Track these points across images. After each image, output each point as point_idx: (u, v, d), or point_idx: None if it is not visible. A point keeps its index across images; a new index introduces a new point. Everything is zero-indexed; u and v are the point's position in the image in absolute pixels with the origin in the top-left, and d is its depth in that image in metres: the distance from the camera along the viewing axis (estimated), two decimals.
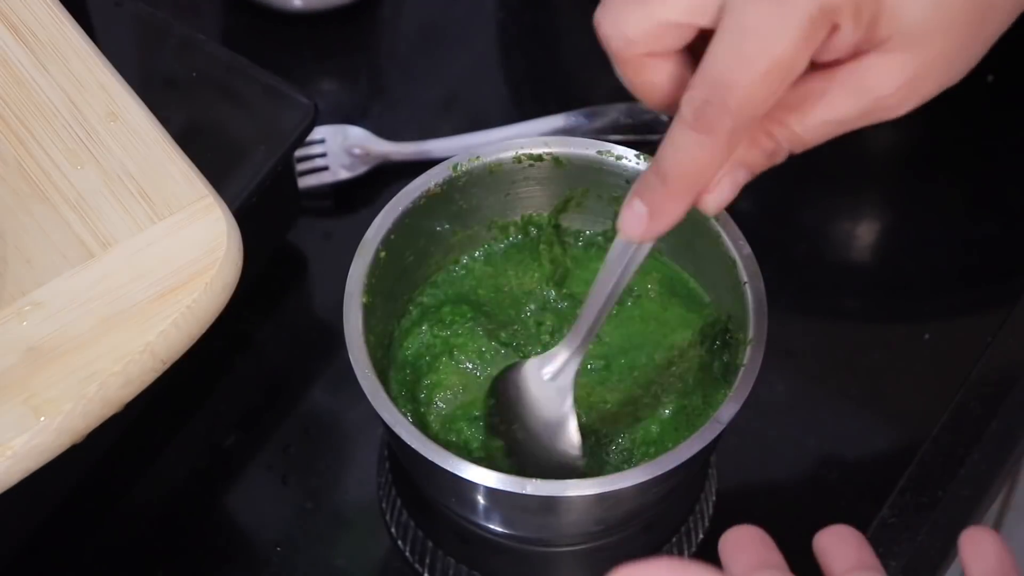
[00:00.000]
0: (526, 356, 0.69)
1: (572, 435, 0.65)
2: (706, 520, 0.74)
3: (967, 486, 0.74)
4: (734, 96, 0.52)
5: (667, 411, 0.67)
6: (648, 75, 0.55)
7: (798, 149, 0.57)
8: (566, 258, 0.72)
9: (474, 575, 0.73)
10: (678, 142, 0.54)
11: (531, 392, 0.65)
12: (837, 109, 0.55)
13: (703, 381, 0.68)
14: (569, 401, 0.64)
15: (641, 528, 0.71)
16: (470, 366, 0.68)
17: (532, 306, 0.70)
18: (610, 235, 0.72)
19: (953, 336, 0.81)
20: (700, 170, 0.54)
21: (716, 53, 0.52)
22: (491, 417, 0.66)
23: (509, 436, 0.65)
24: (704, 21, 0.53)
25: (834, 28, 0.52)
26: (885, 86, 0.55)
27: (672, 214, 0.56)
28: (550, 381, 0.64)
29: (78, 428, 0.57)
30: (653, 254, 0.71)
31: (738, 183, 0.56)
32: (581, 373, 0.65)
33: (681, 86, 0.54)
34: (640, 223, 0.56)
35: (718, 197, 0.56)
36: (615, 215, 0.70)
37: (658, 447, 0.66)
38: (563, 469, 0.64)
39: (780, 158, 0.57)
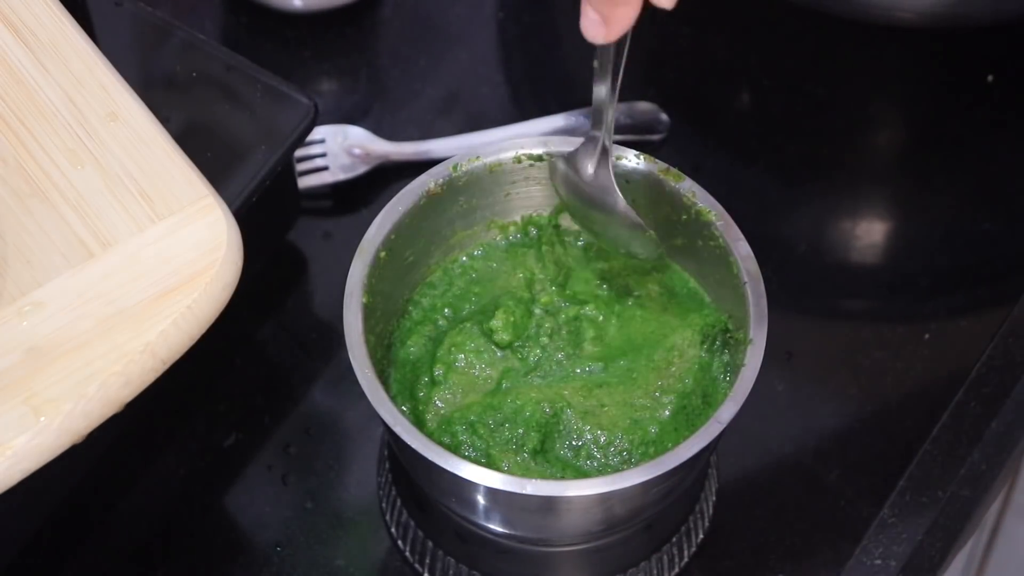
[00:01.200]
0: (524, 358, 0.69)
1: (634, 220, 0.67)
2: (706, 520, 0.74)
3: (967, 486, 0.74)
4: None
5: (667, 411, 0.67)
6: None
7: None
8: (568, 258, 0.72)
9: (474, 575, 0.73)
10: None
11: (585, 191, 0.68)
12: None
13: (703, 381, 0.68)
14: (617, 197, 0.67)
15: (641, 528, 0.71)
16: (468, 367, 0.68)
17: (531, 307, 0.70)
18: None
19: (953, 336, 0.81)
20: None
21: None
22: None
23: (592, 231, 0.70)
24: None
25: None
26: None
27: (623, 19, 0.58)
28: (593, 181, 0.67)
29: (78, 428, 0.57)
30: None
31: None
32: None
33: None
34: (599, 29, 0.59)
35: None
36: None
37: (658, 447, 0.66)
38: (643, 247, 0.68)
39: None
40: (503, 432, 0.66)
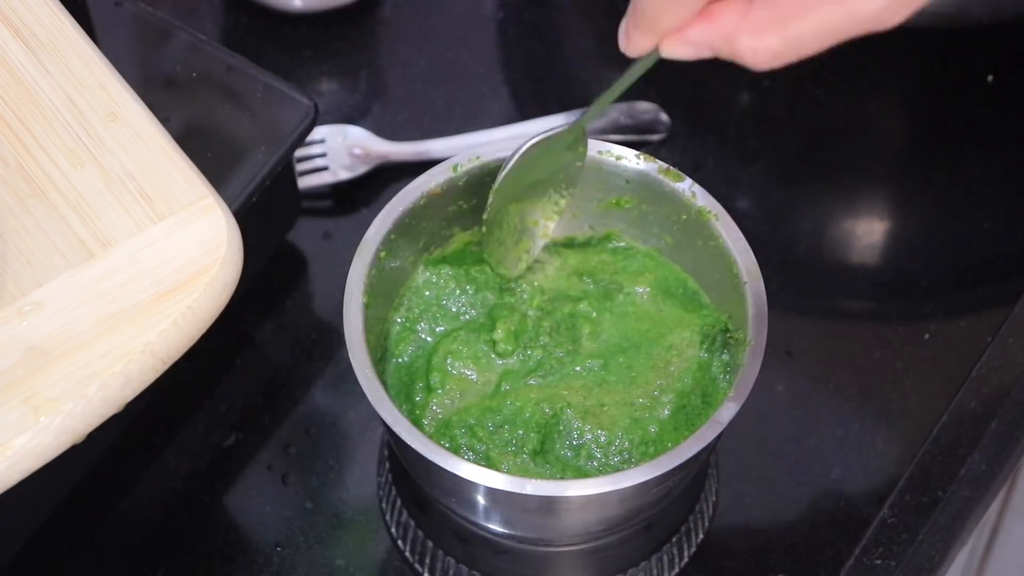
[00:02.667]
0: (524, 360, 0.69)
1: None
2: (706, 520, 0.74)
3: (967, 486, 0.74)
4: None
5: (666, 411, 0.67)
6: None
7: (775, 63, 0.58)
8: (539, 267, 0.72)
9: (474, 575, 0.73)
10: None
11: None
12: (828, 18, 0.56)
13: (702, 381, 0.68)
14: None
15: (641, 528, 0.71)
16: (464, 373, 0.68)
17: (526, 312, 0.70)
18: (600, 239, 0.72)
19: (953, 336, 0.81)
20: (659, 14, 0.57)
21: None
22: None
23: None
24: None
25: None
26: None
27: (635, 42, 0.59)
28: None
29: (78, 428, 0.57)
30: (651, 254, 0.72)
31: (700, 55, 0.58)
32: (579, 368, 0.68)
33: None
34: (623, 42, 0.60)
35: (672, 49, 0.58)
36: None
37: (658, 447, 0.66)
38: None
39: (754, 65, 0.58)
40: (503, 434, 0.66)
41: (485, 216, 0.68)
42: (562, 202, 0.70)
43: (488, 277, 0.71)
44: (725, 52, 0.58)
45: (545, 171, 0.69)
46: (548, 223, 0.71)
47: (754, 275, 0.66)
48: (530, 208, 0.70)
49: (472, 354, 0.68)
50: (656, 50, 0.59)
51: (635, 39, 0.59)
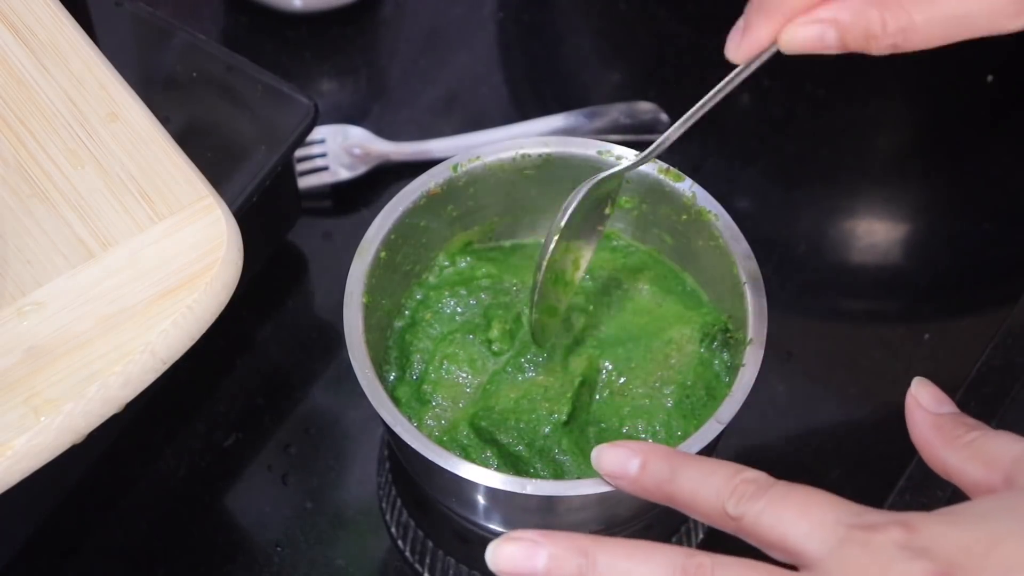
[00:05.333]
0: (517, 356, 0.68)
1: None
2: None
3: None
4: None
5: (669, 402, 0.67)
6: None
7: (900, 42, 0.56)
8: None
9: (474, 575, 0.73)
10: None
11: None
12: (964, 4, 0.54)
13: (704, 375, 0.68)
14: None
15: (641, 528, 0.71)
16: (457, 375, 0.68)
17: (521, 310, 0.70)
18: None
19: (953, 336, 0.81)
20: None
21: None
22: None
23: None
24: None
25: None
26: None
27: (757, 31, 0.57)
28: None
29: (78, 428, 0.57)
30: (651, 253, 0.72)
31: (824, 39, 0.56)
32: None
33: None
34: (736, 39, 0.58)
35: (795, 33, 0.57)
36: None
37: (668, 434, 0.66)
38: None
39: (877, 46, 0.56)
40: (509, 432, 0.66)
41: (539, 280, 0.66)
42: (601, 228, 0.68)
43: (486, 278, 0.71)
44: (853, 33, 0.56)
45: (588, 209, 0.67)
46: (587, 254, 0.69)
47: (754, 275, 0.66)
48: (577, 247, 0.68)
49: (467, 357, 0.68)
50: (770, 46, 0.58)
51: (756, 29, 0.57)
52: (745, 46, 0.58)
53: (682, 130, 0.62)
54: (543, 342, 0.68)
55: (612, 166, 0.69)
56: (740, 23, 0.58)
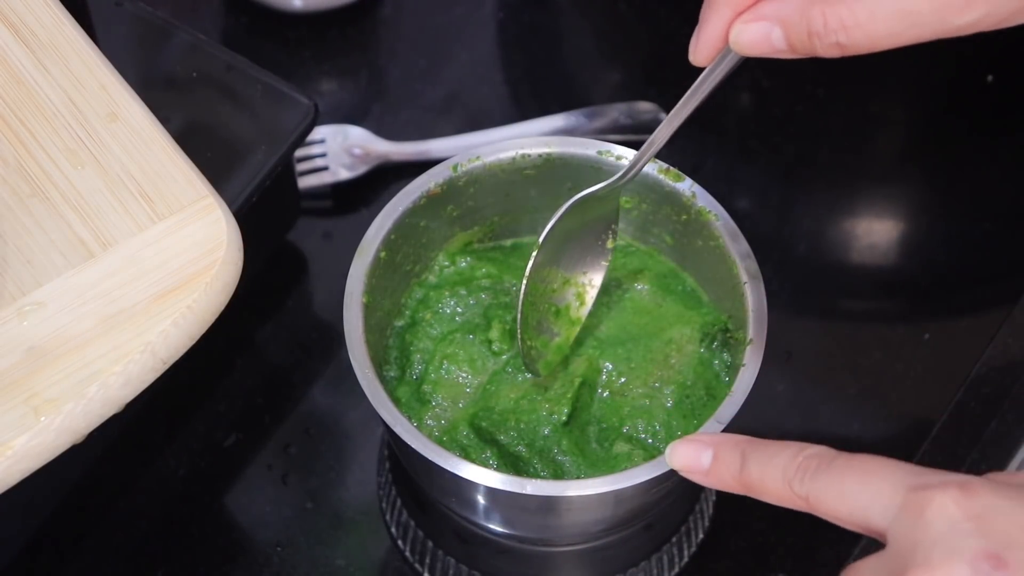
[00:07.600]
0: (517, 356, 0.69)
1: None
2: (706, 520, 0.74)
3: None
4: None
5: (669, 403, 0.67)
6: None
7: (844, 40, 0.54)
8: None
9: (474, 575, 0.73)
10: None
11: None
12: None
13: (704, 375, 0.68)
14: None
15: (641, 528, 0.71)
16: (458, 375, 0.68)
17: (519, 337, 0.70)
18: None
19: (953, 336, 0.81)
20: None
21: None
22: None
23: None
24: None
25: None
26: None
27: (710, 28, 0.57)
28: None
29: (78, 428, 0.57)
30: (651, 253, 0.72)
31: (771, 38, 0.56)
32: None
33: None
34: (693, 41, 0.58)
35: (743, 31, 0.56)
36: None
37: (668, 434, 0.66)
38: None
39: (822, 45, 0.55)
40: (509, 432, 0.66)
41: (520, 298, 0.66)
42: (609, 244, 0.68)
43: (486, 278, 0.71)
44: (797, 31, 0.55)
45: (582, 225, 0.67)
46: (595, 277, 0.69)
47: (754, 275, 0.66)
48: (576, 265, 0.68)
49: (467, 357, 0.68)
50: (726, 49, 0.57)
51: (707, 25, 0.57)
52: (701, 45, 0.58)
53: (652, 153, 0.63)
54: (538, 371, 0.67)
55: (612, 166, 0.69)
56: (697, 31, 0.58)
